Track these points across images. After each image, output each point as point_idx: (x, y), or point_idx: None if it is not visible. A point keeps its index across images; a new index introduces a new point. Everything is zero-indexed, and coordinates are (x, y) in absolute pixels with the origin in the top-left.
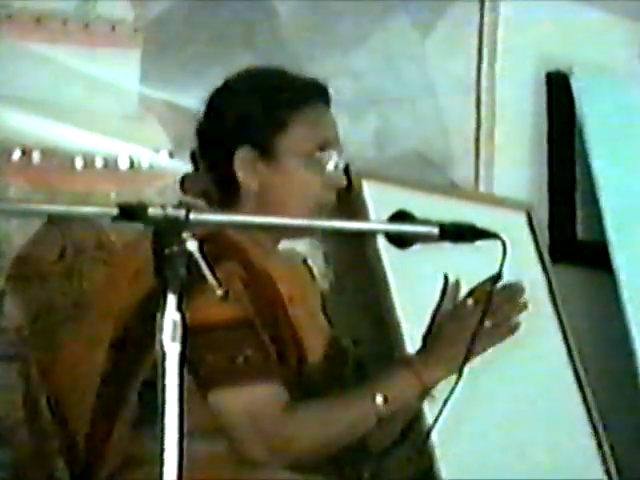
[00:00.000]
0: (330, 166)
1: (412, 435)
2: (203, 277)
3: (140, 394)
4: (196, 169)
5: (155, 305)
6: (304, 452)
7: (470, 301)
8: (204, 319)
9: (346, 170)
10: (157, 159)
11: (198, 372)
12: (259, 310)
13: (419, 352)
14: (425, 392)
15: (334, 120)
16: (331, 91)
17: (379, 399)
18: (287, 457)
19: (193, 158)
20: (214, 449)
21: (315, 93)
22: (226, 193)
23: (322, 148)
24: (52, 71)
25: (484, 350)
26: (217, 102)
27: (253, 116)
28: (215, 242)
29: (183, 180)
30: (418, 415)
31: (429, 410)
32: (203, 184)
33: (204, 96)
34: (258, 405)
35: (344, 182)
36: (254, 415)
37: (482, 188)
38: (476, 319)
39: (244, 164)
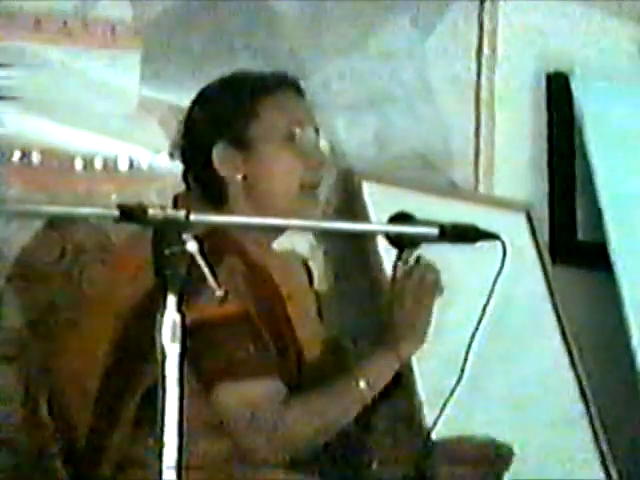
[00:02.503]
0: (308, 144)
1: (395, 393)
2: (203, 275)
3: (141, 394)
4: (187, 168)
5: (155, 304)
6: (303, 445)
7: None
8: (205, 315)
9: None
10: (157, 160)
11: (199, 368)
12: (259, 306)
13: (387, 324)
14: (402, 366)
15: (307, 103)
16: (302, 83)
17: (362, 384)
18: (287, 451)
19: (184, 159)
20: (214, 448)
21: (283, 81)
22: (214, 191)
23: (295, 128)
24: (52, 71)
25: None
26: (191, 109)
27: (224, 111)
28: (215, 239)
29: (176, 199)
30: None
31: (429, 410)
32: (195, 200)
33: None
34: (259, 400)
35: (325, 159)
36: (255, 410)
37: (482, 189)
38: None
39: (223, 160)
